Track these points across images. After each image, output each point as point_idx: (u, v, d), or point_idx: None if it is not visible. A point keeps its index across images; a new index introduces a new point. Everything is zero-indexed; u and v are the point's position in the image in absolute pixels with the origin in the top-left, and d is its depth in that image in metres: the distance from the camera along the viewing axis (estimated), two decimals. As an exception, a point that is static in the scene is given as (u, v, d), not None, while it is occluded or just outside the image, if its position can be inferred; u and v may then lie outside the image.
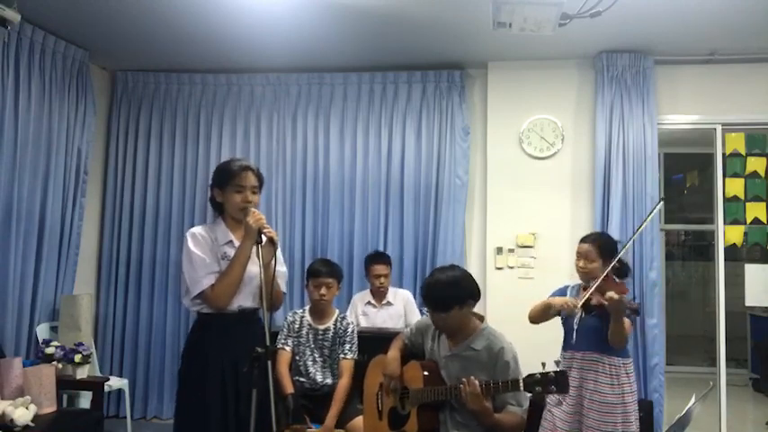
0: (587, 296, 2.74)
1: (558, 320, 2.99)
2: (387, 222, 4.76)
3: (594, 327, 2.82)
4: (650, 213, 3.24)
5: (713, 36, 4.10)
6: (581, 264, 2.94)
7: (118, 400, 4.80)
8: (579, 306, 2.77)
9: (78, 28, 4.17)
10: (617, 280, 2.85)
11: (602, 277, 2.78)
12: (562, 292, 3.07)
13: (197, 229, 2.38)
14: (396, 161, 4.77)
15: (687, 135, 4.96)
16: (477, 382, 2.31)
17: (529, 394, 2.39)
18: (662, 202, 3.54)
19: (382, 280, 4.11)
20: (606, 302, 2.62)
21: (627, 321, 2.76)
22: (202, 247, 2.31)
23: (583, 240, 3.01)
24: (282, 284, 2.47)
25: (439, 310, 2.48)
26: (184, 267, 2.33)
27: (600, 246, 2.93)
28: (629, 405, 2.81)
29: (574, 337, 2.90)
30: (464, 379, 2.34)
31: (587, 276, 2.92)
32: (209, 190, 2.51)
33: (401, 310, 4.14)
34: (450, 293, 2.48)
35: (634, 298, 2.75)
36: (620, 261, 2.91)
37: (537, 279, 4.44)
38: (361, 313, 4.17)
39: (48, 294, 4.22)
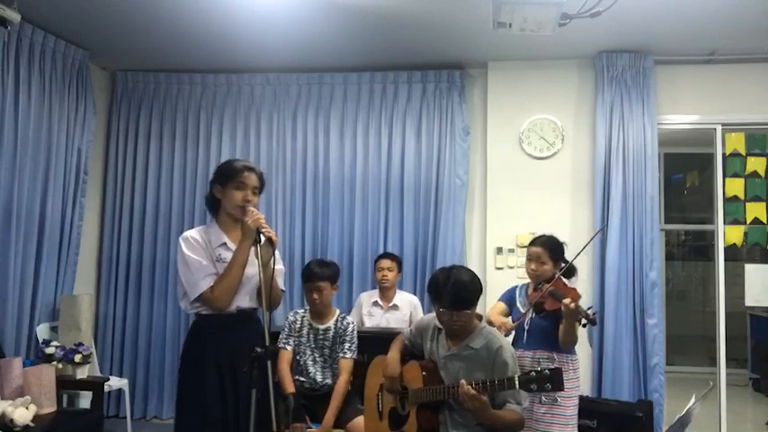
0: (539, 299, 2.87)
1: None
2: (387, 222, 4.76)
3: (544, 327, 2.92)
4: (591, 239, 3.37)
5: (713, 36, 4.10)
6: (532, 266, 3.02)
7: (118, 400, 4.81)
8: (531, 308, 2.92)
9: (78, 28, 4.17)
10: (566, 282, 2.94)
11: (554, 281, 2.90)
12: (511, 293, 3.17)
13: (190, 233, 2.38)
14: (396, 161, 4.77)
15: (687, 135, 4.96)
16: (469, 386, 2.32)
17: (527, 393, 2.40)
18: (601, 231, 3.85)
19: (385, 272, 4.10)
20: (563, 309, 2.70)
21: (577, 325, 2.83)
22: (197, 250, 2.31)
23: (532, 243, 3.08)
24: (281, 282, 2.48)
25: (461, 309, 2.49)
26: (181, 272, 2.33)
27: (550, 248, 3.02)
28: (575, 399, 2.93)
29: (525, 336, 2.98)
30: (462, 381, 2.34)
31: (538, 279, 3.01)
32: (208, 187, 2.51)
33: (407, 315, 4.13)
34: (477, 293, 2.52)
35: (592, 307, 2.87)
36: (566, 263, 3.05)
37: (537, 279, 4.43)
38: (367, 313, 4.17)
39: (48, 294, 4.22)
